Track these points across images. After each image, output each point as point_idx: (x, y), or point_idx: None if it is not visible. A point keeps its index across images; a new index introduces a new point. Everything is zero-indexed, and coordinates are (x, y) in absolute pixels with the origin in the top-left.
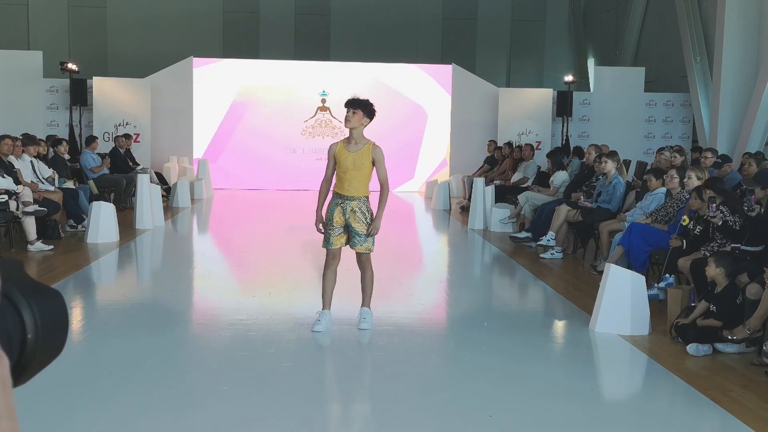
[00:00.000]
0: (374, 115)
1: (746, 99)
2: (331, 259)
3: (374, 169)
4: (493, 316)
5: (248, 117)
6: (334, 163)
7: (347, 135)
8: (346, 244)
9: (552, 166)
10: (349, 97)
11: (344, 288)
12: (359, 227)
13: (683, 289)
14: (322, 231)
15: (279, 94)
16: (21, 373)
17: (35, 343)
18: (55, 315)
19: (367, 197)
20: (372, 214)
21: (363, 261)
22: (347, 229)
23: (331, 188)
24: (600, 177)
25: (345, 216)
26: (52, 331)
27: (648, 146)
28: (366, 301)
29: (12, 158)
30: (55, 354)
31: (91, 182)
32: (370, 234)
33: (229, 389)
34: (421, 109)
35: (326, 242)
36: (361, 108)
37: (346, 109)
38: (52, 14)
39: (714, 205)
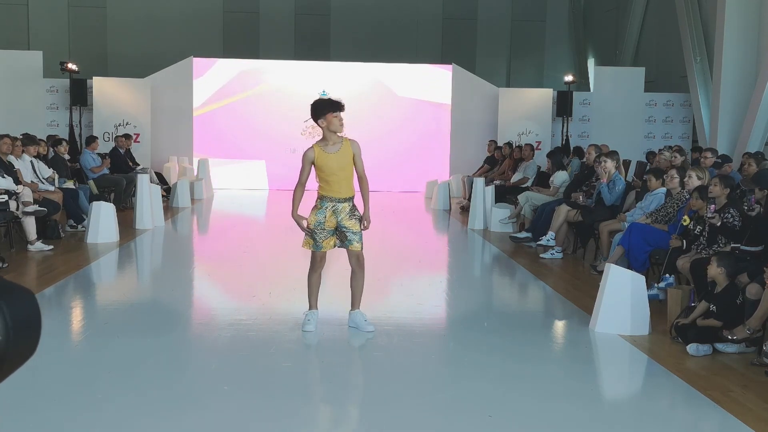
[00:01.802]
0: None
1: (746, 99)
2: (320, 261)
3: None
4: (493, 316)
5: (248, 117)
6: (310, 168)
7: (321, 137)
8: (333, 247)
9: (552, 166)
10: (334, 99)
11: (345, 289)
12: (353, 226)
13: (683, 289)
14: (309, 229)
15: (279, 94)
16: None
17: (6, 345)
18: (27, 316)
19: (354, 195)
20: (359, 211)
21: (360, 260)
22: (336, 231)
23: (305, 191)
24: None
25: (338, 218)
26: (24, 332)
27: (648, 146)
28: (359, 302)
29: (12, 158)
30: (27, 355)
31: (91, 182)
32: (366, 228)
33: (229, 389)
34: (420, 109)
35: (315, 245)
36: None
37: (339, 114)
38: (52, 14)
39: (713, 206)
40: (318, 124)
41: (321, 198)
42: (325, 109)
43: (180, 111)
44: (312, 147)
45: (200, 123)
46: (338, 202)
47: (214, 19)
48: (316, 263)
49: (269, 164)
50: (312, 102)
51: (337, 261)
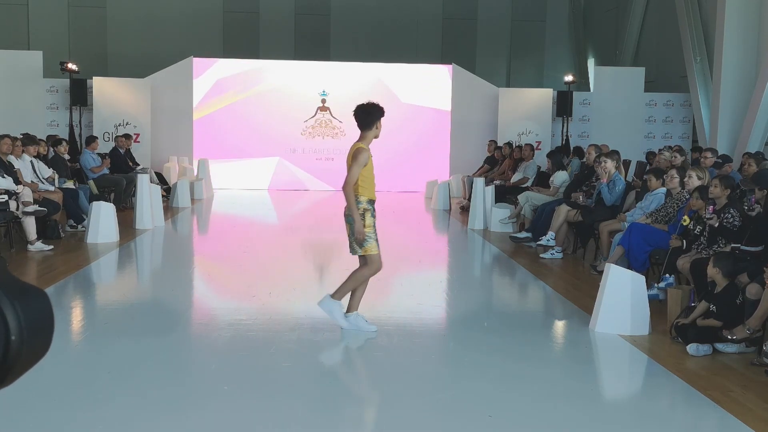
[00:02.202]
0: None
1: (746, 99)
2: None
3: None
4: (493, 316)
5: (248, 117)
6: None
7: (363, 138)
8: None
9: (552, 166)
10: (380, 105)
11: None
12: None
13: (683, 289)
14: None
15: (279, 94)
16: (5, 376)
17: (20, 345)
18: (40, 315)
19: None
20: None
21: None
22: None
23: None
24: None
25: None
26: (37, 332)
27: (648, 146)
28: (358, 304)
29: (12, 158)
30: (40, 355)
31: (91, 182)
32: None
33: (229, 389)
34: (420, 109)
35: (378, 247)
36: None
37: (380, 121)
38: (52, 14)
39: (712, 207)
40: (372, 129)
41: (368, 200)
42: (379, 113)
43: (180, 111)
44: (364, 148)
45: (200, 124)
46: (374, 203)
47: (214, 19)
48: (379, 267)
49: (269, 164)
50: (363, 105)
51: (338, 260)
